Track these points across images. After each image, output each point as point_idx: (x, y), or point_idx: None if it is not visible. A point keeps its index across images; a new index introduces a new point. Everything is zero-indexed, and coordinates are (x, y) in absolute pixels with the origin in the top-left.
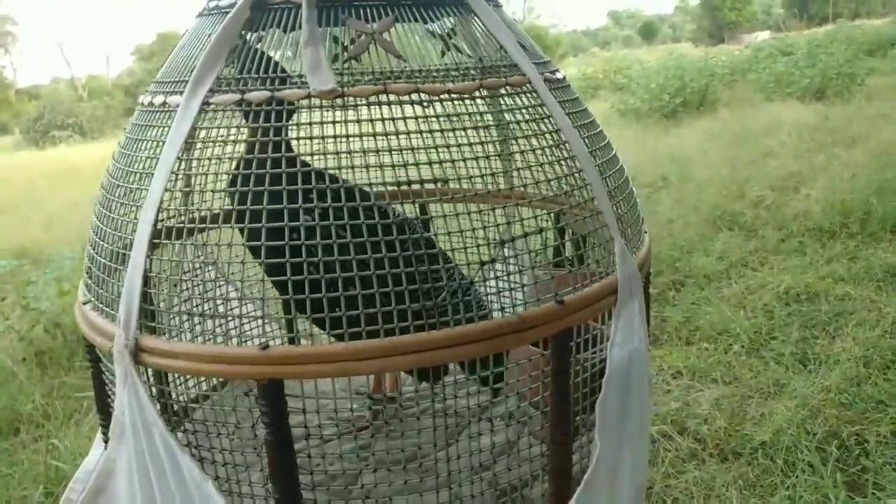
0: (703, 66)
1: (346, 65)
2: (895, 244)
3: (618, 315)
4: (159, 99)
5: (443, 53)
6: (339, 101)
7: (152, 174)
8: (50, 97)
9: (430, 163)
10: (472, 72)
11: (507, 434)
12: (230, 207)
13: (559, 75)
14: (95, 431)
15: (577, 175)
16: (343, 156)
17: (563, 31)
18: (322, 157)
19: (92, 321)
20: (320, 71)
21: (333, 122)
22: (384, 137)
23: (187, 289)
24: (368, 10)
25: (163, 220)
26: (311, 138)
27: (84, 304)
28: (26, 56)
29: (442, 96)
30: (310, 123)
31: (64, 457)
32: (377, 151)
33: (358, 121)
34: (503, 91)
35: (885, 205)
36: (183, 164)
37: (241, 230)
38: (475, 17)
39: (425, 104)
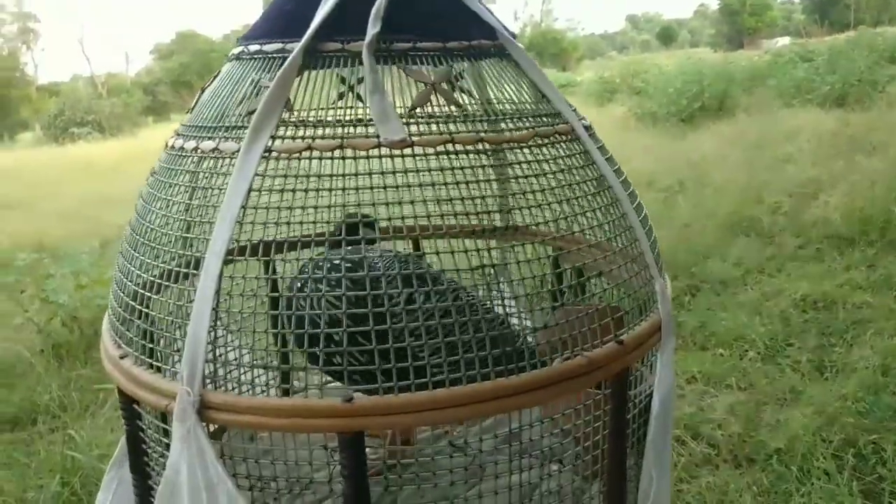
0: (722, 71)
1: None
2: None
3: (662, 353)
4: (191, 144)
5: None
6: (407, 150)
7: (209, 221)
8: (70, 94)
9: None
10: (526, 121)
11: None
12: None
13: (586, 122)
14: (111, 423)
15: (621, 219)
16: (404, 203)
17: (580, 34)
18: (374, 193)
19: (137, 377)
20: (389, 121)
21: (393, 172)
22: (453, 186)
23: (242, 344)
24: (421, 59)
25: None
26: (371, 188)
27: (121, 357)
28: (47, 53)
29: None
30: (369, 173)
31: (80, 447)
32: (437, 200)
33: (417, 171)
34: (552, 139)
35: None
36: (246, 213)
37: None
38: (483, 63)
39: (488, 153)
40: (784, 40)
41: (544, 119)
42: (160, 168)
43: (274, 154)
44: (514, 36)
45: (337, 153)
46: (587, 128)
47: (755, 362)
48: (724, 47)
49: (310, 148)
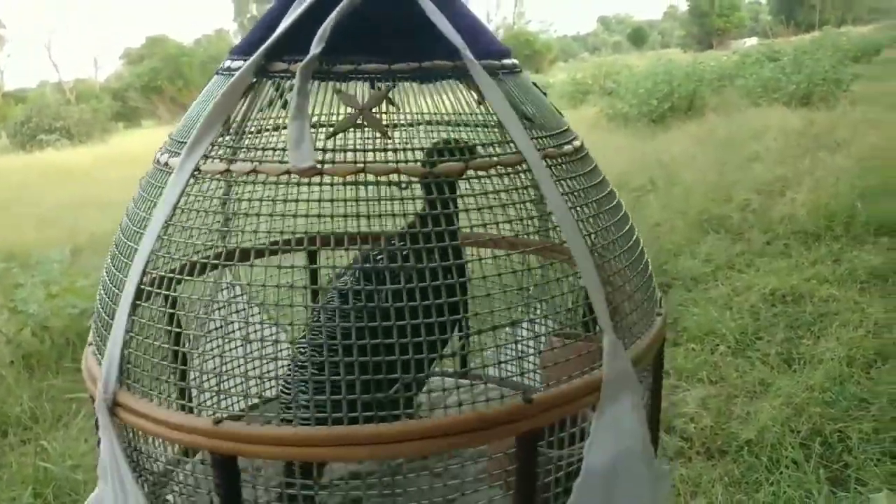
0: (692, 72)
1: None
2: (878, 247)
3: (600, 415)
4: (164, 158)
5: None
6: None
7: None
8: (37, 100)
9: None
10: (459, 152)
11: None
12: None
13: (574, 144)
14: (84, 433)
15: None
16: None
17: (552, 36)
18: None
19: (89, 366)
20: (301, 147)
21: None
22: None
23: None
24: (368, 83)
25: (148, 280)
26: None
27: (90, 345)
28: (14, 59)
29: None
30: (284, 200)
31: (53, 458)
32: (345, 216)
33: (332, 200)
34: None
35: (869, 208)
36: (169, 230)
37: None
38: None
39: (404, 186)
40: (752, 41)
41: (493, 149)
42: (144, 182)
43: (201, 174)
44: (505, 54)
45: (247, 177)
46: (566, 155)
47: (726, 356)
48: (694, 48)
49: (227, 171)
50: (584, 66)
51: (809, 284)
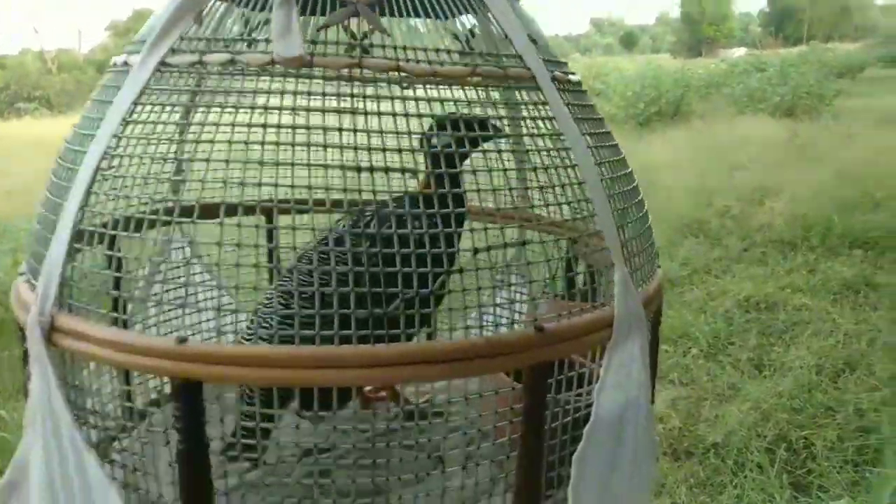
0: (680, 78)
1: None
2: (852, 259)
3: (611, 353)
4: (122, 59)
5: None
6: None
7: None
8: (17, 68)
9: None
10: (469, 59)
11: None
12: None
13: (573, 77)
14: None
15: (577, 187)
16: (299, 133)
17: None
18: (276, 129)
19: (20, 294)
20: (289, 35)
21: (295, 93)
22: (351, 119)
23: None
24: None
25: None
26: (266, 108)
27: (20, 275)
28: None
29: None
30: (268, 92)
31: (10, 428)
32: (339, 129)
33: (323, 94)
34: (500, 82)
35: (845, 221)
36: (129, 127)
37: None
38: (491, 16)
39: (405, 85)
40: (740, 51)
41: (503, 60)
42: (98, 91)
43: (168, 68)
44: None
45: (223, 68)
46: (569, 82)
47: (698, 359)
48: (684, 54)
49: (200, 63)
50: (574, 66)
51: (783, 293)
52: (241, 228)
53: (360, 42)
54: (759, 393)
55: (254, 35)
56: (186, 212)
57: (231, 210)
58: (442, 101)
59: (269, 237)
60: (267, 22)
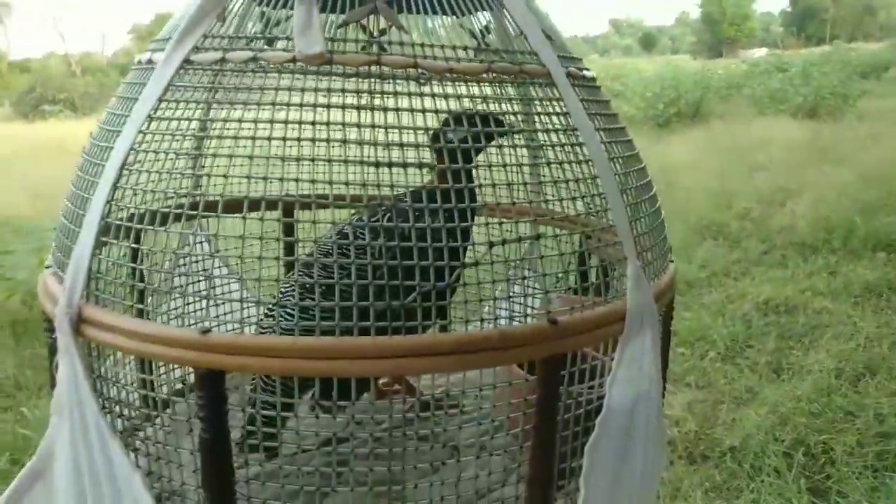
0: (700, 78)
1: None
2: (875, 262)
3: (623, 346)
4: (146, 56)
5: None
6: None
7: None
8: (42, 71)
9: (416, 145)
10: (484, 55)
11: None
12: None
13: (587, 73)
14: None
15: (591, 182)
16: (319, 129)
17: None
18: (298, 125)
19: (48, 287)
20: (309, 32)
21: (315, 90)
22: (370, 115)
23: (171, 264)
24: None
25: (126, 183)
26: (288, 105)
27: (46, 267)
28: (21, 30)
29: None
30: (289, 89)
31: (32, 426)
32: (358, 126)
33: (343, 91)
34: (515, 78)
35: (868, 223)
36: (154, 124)
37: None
38: (505, 10)
39: (422, 82)
40: (761, 51)
41: (518, 56)
42: (122, 87)
43: (193, 65)
44: None
45: (245, 65)
46: (584, 78)
47: (715, 362)
48: (704, 55)
49: (223, 60)
50: (592, 67)
51: (804, 296)
52: (262, 222)
53: (378, 39)
54: (777, 396)
55: (274, 32)
56: (210, 207)
57: (254, 205)
58: (458, 97)
59: (290, 231)
60: (287, 19)
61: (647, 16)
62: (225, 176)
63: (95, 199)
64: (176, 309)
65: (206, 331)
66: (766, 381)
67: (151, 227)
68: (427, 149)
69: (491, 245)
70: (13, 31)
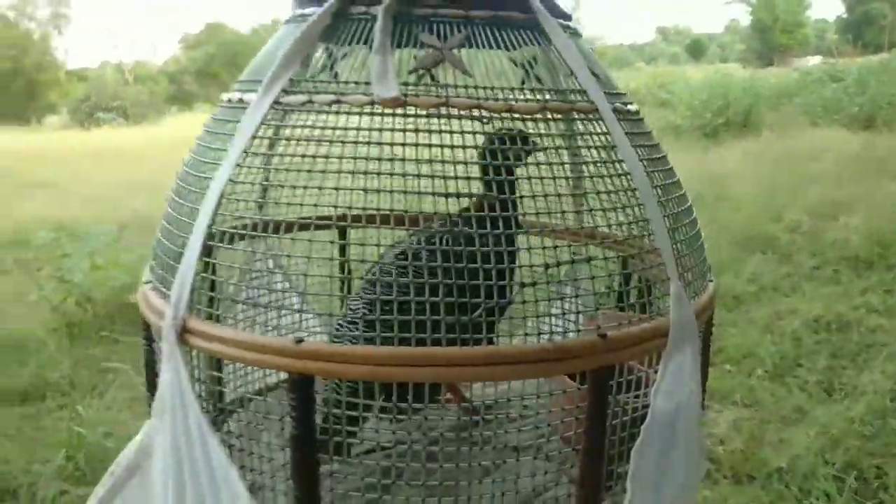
0: (749, 87)
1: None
2: None
3: (667, 360)
4: (236, 96)
5: (522, 82)
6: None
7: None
8: (97, 80)
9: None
10: (539, 95)
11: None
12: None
13: (631, 107)
14: (117, 402)
15: (636, 208)
16: (396, 164)
17: (607, 44)
18: (378, 161)
19: (150, 301)
20: (386, 79)
21: (392, 130)
22: (439, 151)
23: (251, 279)
24: (445, 27)
25: (225, 211)
26: (368, 143)
27: (145, 283)
28: (77, 39)
29: (503, 114)
30: (369, 129)
31: (86, 424)
32: (429, 161)
33: (416, 130)
34: (568, 116)
35: None
36: (248, 157)
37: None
38: (553, 46)
39: (485, 121)
40: (815, 59)
41: (570, 95)
42: (211, 122)
43: (282, 106)
44: (567, 16)
45: (329, 107)
46: (628, 112)
47: (763, 380)
48: (754, 64)
49: (310, 101)
50: (638, 76)
51: (857, 313)
52: (334, 244)
53: (436, 81)
54: (827, 417)
55: (336, 73)
56: (292, 227)
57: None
58: (519, 134)
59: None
60: (344, 56)
61: (696, 24)
62: (315, 205)
63: (198, 224)
64: (269, 321)
65: (300, 340)
66: (817, 401)
67: (241, 249)
68: (478, 180)
69: (546, 267)
70: (70, 41)
